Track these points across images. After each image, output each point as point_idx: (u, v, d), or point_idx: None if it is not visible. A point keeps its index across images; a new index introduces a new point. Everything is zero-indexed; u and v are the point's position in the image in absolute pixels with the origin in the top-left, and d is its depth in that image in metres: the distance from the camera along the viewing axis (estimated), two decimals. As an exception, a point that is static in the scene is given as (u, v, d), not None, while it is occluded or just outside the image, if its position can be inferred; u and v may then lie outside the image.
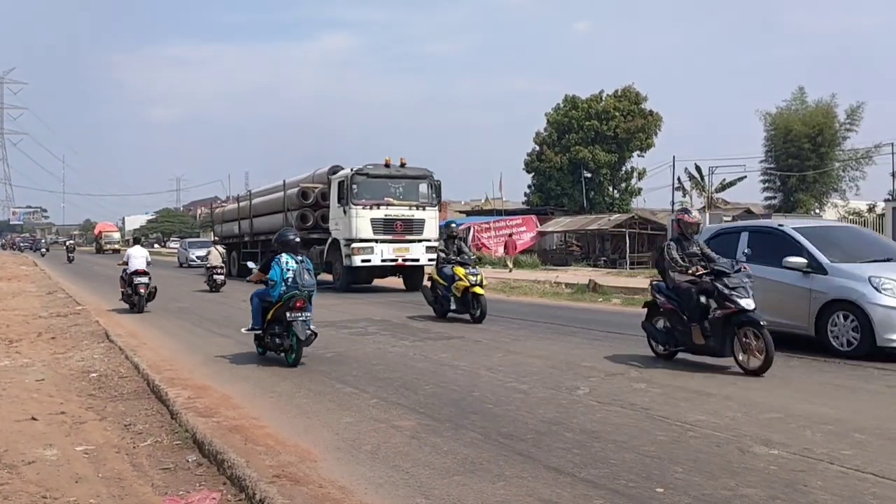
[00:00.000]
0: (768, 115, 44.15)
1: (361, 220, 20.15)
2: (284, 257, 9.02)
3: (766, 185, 44.97)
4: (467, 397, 7.00)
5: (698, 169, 47.47)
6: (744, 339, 7.85)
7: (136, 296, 15.42)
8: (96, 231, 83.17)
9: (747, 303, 7.82)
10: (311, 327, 8.89)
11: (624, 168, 47.87)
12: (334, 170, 22.03)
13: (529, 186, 50.64)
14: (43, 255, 57.97)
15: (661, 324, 8.82)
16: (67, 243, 56.53)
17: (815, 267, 9.25)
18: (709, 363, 8.37)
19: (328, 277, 22.54)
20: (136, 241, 17.90)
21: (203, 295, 20.79)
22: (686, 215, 8.96)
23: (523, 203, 51.28)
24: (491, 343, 10.61)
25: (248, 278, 10.36)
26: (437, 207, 21.70)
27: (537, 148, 48.48)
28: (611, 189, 47.89)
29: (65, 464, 5.24)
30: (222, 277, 22.02)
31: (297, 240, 9.39)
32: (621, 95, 46.61)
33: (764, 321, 7.80)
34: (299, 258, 9.13)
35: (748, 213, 39.09)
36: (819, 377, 7.90)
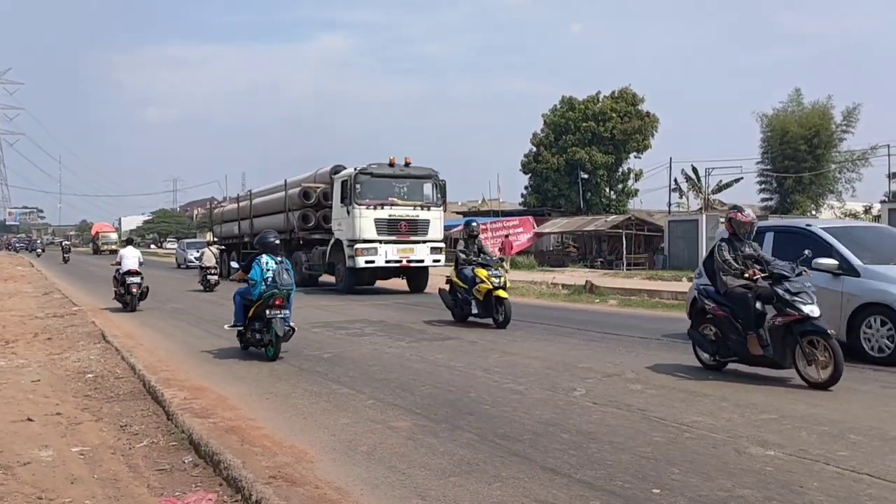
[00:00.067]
0: (765, 116, 44.37)
1: (365, 221, 19.75)
2: (265, 258, 9.46)
3: (763, 186, 45.15)
4: (464, 398, 7.00)
5: (695, 170, 47.67)
6: (807, 349, 7.22)
7: (128, 295, 15.78)
8: (93, 232, 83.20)
9: (811, 309, 7.21)
10: (290, 324, 9.46)
11: (621, 169, 47.96)
12: (337, 169, 21.71)
13: (526, 187, 50.71)
14: (38, 256, 58.25)
15: (709, 332, 8.10)
16: (63, 244, 57.41)
17: (847, 269, 8.83)
18: (695, 366, 8.38)
19: (330, 279, 22.31)
20: (129, 242, 18.37)
21: (197, 295, 20.78)
22: (739, 213, 8.18)
23: (520, 204, 51.33)
24: (487, 344, 10.61)
25: (230, 277, 10.99)
26: (442, 208, 21.36)
27: (534, 149, 48.54)
28: (607, 190, 47.96)
29: (60, 465, 5.23)
30: (216, 277, 22.09)
31: (277, 242, 9.85)
32: (618, 97, 46.69)
33: (831, 330, 7.26)
34: (278, 259, 9.54)
35: (744, 214, 39.09)
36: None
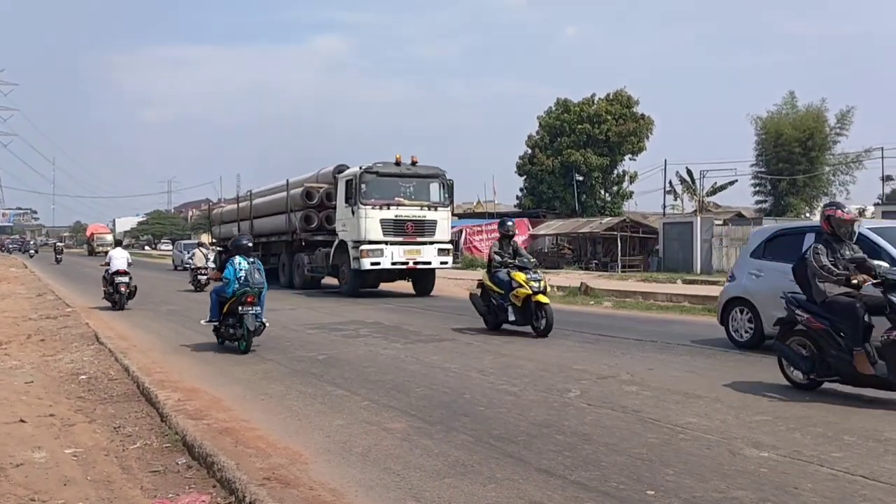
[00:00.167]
0: (759, 119, 44.48)
1: (370, 221, 19.12)
2: (238, 259, 10.27)
3: (757, 188, 45.27)
4: (458, 399, 7.00)
5: (690, 173, 47.79)
6: None
7: (116, 294, 16.40)
8: (88, 233, 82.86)
9: None
10: (262, 320, 10.18)
11: (615, 171, 48.05)
12: (340, 169, 21.21)
13: (521, 189, 50.76)
14: (31, 257, 58.57)
15: (802, 347, 7.15)
16: (55, 245, 58.85)
17: None
18: (699, 364, 8.39)
19: (333, 281, 21.92)
20: (118, 244, 19.09)
21: (188, 295, 20.72)
22: (838, 210, 7.29)
23: (515, 206, 51.36)
24: (482, 346, 10.61)
25: (207, 277, 11.30)
26: (449, 208, 20.76)
27: (529, 151, 48.59)
28: (602, 192, 48.04)
29: (53, 466, 5.21)
30: (206, 277, 22.05)
31: (250, 244, 10.83)
32: (613, 99, 46.78)
33: None
34: (250, 260, 10.32)
35: (739, 216, 39.31)
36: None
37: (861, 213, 40.12)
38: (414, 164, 20.09)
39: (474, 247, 38.63)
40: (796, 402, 6.76)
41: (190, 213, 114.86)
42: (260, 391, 7.59)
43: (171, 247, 71.10)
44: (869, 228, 9.08)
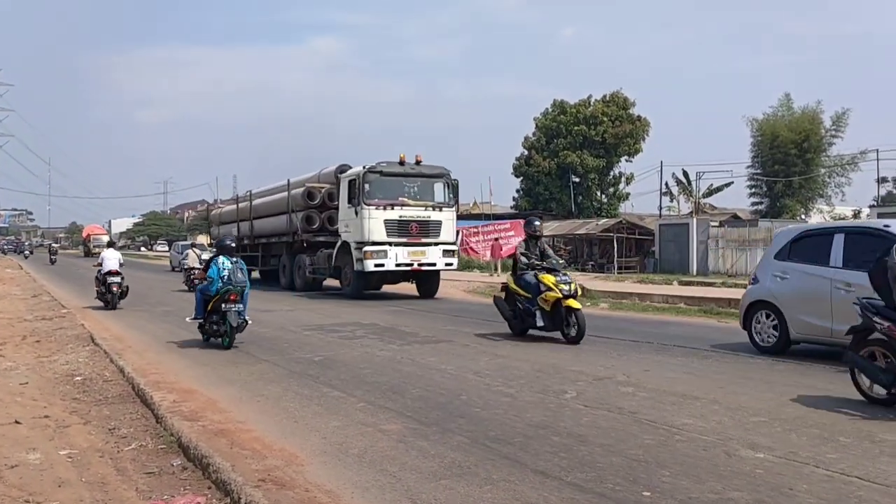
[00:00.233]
0: (755, 121, 44.55)
1: (374, 222, 18.73)
2: (221, 259, 10.81)
3: (753, 190, 45.35)
4: (454, 401, 6.99)
5: (686, 174, 47.92)
6: None
7: (109, 294, 16.83)
8: (84, 234, 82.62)
9: None
10: (244, 317, 10.62)
11: (612, 173, 48.13)
12: (342, 168, 20.97)
13: (518, 191, 50.81)
14: (26, 258, 59.07)
15: (882, 358, 6.60)
16: (50, 246, 60.06)
17: None
18: (696, 365, 8.39)
19: (334, 283, 21.69)
20: (111, 245, 19.34)
21: (182, 295, 20.68)
22: None
23: (512, 207, 51.39)
24: (478, 347, 10.61)
25: (193, 277, 11.68)
26: (454, 208, 20.42)
27: (526, 152, 48.65)
28: (599, 194, 48.11)
29: (48, 468, 5.19)
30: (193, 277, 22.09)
31: (233, 245, 11.32)
32: (609, 100, 46.85)
33: None
34: (233, 260, 10.86)
35: (735, 218, 39.39)
36: (803, 381, 7.93)
37: (856, 214, 40.27)
38: (418, 163, 19.74)
39: (471, 248, 38.62)
40: (789, 404, 6.77)
41: (186, 214, 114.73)
42: (256, 392, 7.58)
43: (167, 248, 71.01)
44: None
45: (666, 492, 4.38)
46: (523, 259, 11.40)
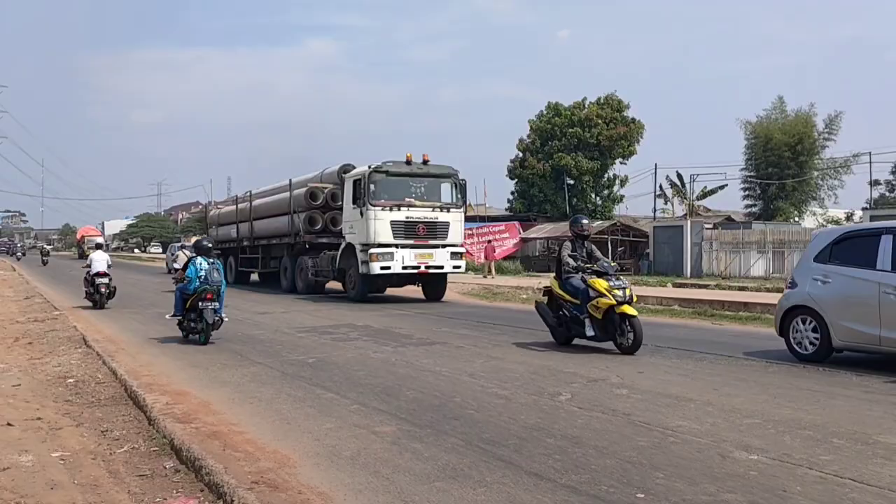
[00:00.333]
0: (749, 123, 44.69)
1: (380, 223, 18.18)
2: (199, 259, 11.37)
3: (747, 193, 45.47)
4: (449, 403, 6.98)
5: (680, 177, 48.06)
6: None
7: (97, 294, 17.37)
8: (78, 236, 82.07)
9: None
10: (221, 315, 11.22)
11: (606, 175, 48.06)
12: (346, 168, 20.54)
13: (513, 193, 50.73)
14: (18, 259, 59.33)
15: None
16: (42, 248, 61.43)
17: None
18: (690, 367, 8.39)
19: (336, 286, 21.37)
20: (99, 247, 19.61)
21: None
22: None
23: (506, 209, 51.36)
24: (472, 349, 10.60)
25: (172, 276, 12.28)
26: (463, 209, 19.83)
27: (520, 154, 48.59)
28: (593, 196, 48.04)
29: (40, 470, 5.16)
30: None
31: (211, 246, 11.98)
32: (604, 103, 46.83)
33: None
34: (210, 260, 11.44)
35: (729, 220, 39.46)
36: (797, 383, 7.95)
37: (849, 217, 40.42)
38: (425, 162, 19.24)
39: (466, 251, 38.62)
40: (783, 406, 6.78)
41: (180, 216, 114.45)
42: (249, 394, 7.55)
43: (160, 249, 70.75)
44: None
45: (660, 494, 4.38)
46: (570, 261, 10.45)
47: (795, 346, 9.46)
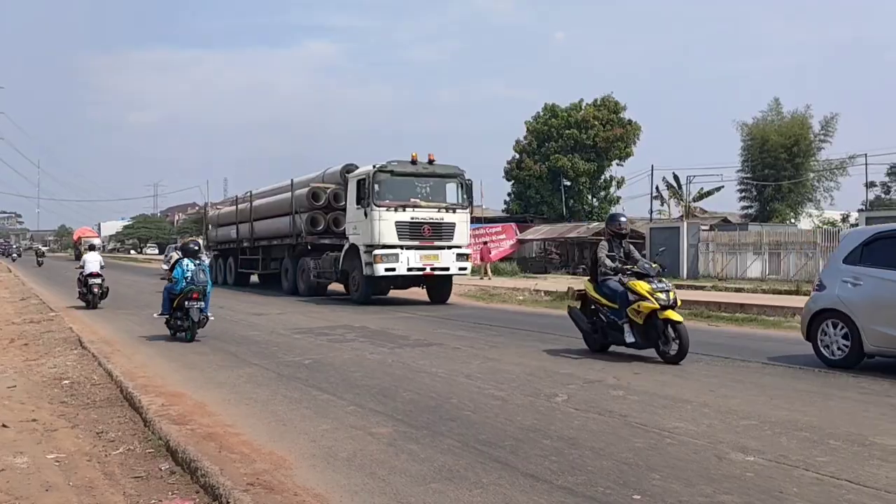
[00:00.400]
0: (745, 125, 44.76)
1: (385, 224, 17.86)
2: (186, 261, 11.91)
3: (743, 194, 45.53)
4: (445, 404, 6.97)
5: (676, 178, 48.07)
6: None
7: (90, 294, 17.75)
8: (75, 237, 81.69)
9: None
10: (206, 313, 11.77)
11: (603, 177, 48.16)
12: (349, 168, 20.24)
13: (509, 194, 50.78)
14: (14, 261, 59.48)
15: None
16: (37, 249, 62.63)
17: None
18: (686, 369, 8.39)
19: (339, 288, 21.14)
20: (92, 249, 19.86)
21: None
22: None
23: (503, 211, 51.40)
24: (469, 350, 10.59)
25: (161, 276, 12.55)
26: (469, 210, 19.57)
27: (517, 156, 48.64)
28: (590, 197, 48.12)
29: (35, 472, 5.14)
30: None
31: (197, 248, 12.51)
32: (600, 104, 46.90)
33: None
34: (197, 262, 11.96)
35: (725, 221, 39.49)
36: (794, 384, 7.95)
37: (844, 218, 40.51)
38: (431, 162, 18.95)
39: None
40: (779, 407, 6.79)
41: (176, 217, 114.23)
42: (245, 396, 7.54)
43: (156, 251, 70.53)
44: None
45: (656, 495, 4.37)
46: (608, 262, 9.78)
47: (823, 351, 9.09)
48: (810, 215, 44.01)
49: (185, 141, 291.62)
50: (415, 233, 18.20)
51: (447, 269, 18.71)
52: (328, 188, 21.33)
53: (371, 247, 17.96)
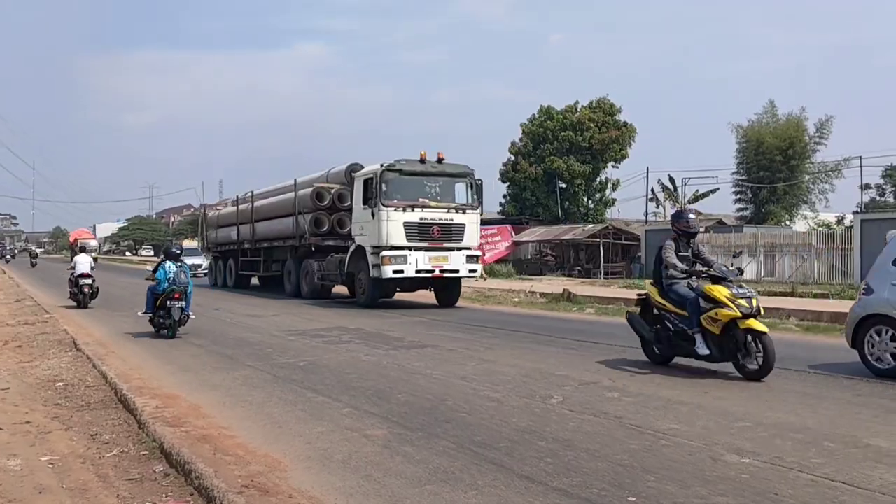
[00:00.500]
0: (740, 127, 44.87)
1: (393, 225, 17.33)
2: (168, 263, 12.66)
3: (738, 196, 45.63)
4: (440, 406, 6.96)
5: (672, 180, 48.23)
6: None
7: (81, 294, 18.53)
8: (71, 239, 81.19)
9: None
10: (188, 312, 12.62)
11: (598, 179, 48.20)
12: (354, 168, 19.87)
13: (505, 196, 50.79)
14: (8, 262, 59.71)
15: None
16: (31, 250, 63.74)
17: None
18: (681, 370, 8.40)
19: (343, 290, 20.85)
20: (83, 250, 21.06)
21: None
22: None
23: (498, 213, 51.42)
24: (465, 352, 10.58)
25: (145, 277, 13.53)
26: (479, 210, 19.07)
27: (512, 158, 48.66)
28: (585, 199, 48.15)
29: (29, 474, 5.12)
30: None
31: (179, 252, 13.22)
32: (596, 107, 46.94)
33: None
34: (178, 264, 12.72)
35: (720, 223, 39.57)
36: (789, 386, 7.95)
37: (839, 220, 40.60)
38: (440, 161, 18.45)
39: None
40: (775, 409, 6.80)
41: (171, 219, 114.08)
42: (240, 398, 7.52)
43: (151, 252, 70.34)
44: None
45: (651, 497, 4.37)
46: (679, 264, 8.73)
47: (871, 360, 8.53)
48: (805, 217, 44.13)
49: (181, 142, 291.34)
50: (424, 234, 17.70)
51: (457, 271, 18.23)
52: (332, 188, 20.93)
53: (378, 248, 17.50)
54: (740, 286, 8.36)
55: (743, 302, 8.05)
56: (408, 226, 17.52)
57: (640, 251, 35.52)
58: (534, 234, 42.41)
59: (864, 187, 45.91)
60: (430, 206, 17.87)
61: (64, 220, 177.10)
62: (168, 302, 12.30)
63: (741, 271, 8.93)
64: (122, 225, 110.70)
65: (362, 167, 19.48)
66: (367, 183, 18.16)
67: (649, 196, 48.28)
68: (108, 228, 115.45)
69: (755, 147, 42.85)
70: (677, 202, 47.09)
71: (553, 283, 27.38)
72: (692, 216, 9.21)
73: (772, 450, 5.35)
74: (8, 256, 67.44)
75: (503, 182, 49.53)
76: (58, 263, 61.34)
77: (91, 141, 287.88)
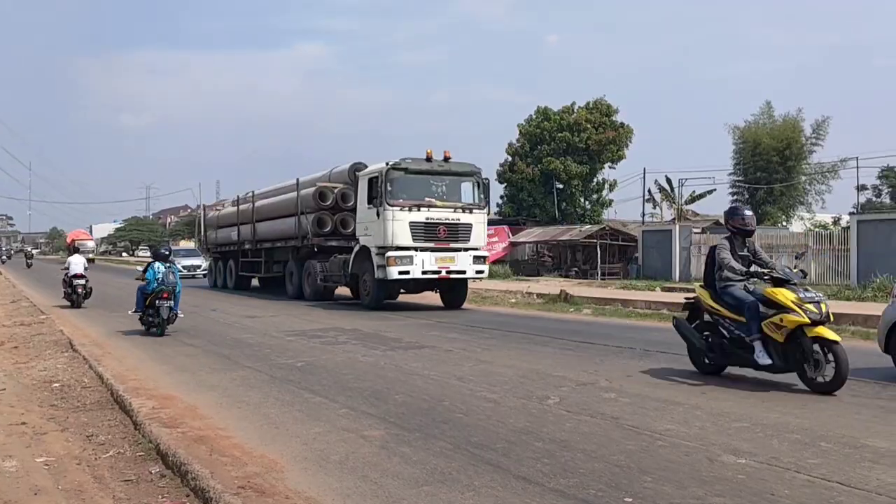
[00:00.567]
0: (737, 128, 44.96)
1: (399, 224, 17.02)
2: (157, 264, 13.13)
3: (735, 197, 45.65)
4: (437, 407, 6.96)
5: (668, 181, 48.22)
6: None
7: (74, 294, 18.95)
8: (68, 240, 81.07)
9: None
10: (177, 311, 13.07)
11: (595, 179, 48.24)
12: (358, 167, 19.56)
13: (502, 197, 50.82)
14: (3, 263, 59.85)
15: None
16: (26, 251, 65.25)
17: None
18: (678, 371, 8.40)
19: (345, 292, 20.67)
20: (76, 251, 21.48)
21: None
22: None
23: (496, 213, 51.40)
24: (462, 353, 10.58)
25: (135, 277, 13.94)
26: (486, 210, 18.74)
27: (510, 159, 48.69)
28: (582, 200, 48.19)
29: (24, 475, 5.11)
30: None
31: (167, 253, 13.78)
32: (593, 108, 46.98)
33: None
34: (167, 265, 13.16)
35: (717, 224, 39.58)
36: (785, 386, 7.95)
37: (836, 221, 40.70)
38: (446, 159, 18.08)
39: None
40: (771, 409, 6.80)
41: (168, 220, 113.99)
42: (236, 398, 7.51)
43: (148, 253, 70.15)
44: None
45: (648, 497, 4.37)
46: (736, 265, 7.97)
47: None
48: (802, 218, 44.23)
49: (179, 143, 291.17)
50: (430, 234, 17.36)
51: (463, 272, 17.90)
52: (336, 188, 20.61)
53: (383, 248, 17.21)
54: (806, 289, 7.63)
55: (811, 307, 7.35)
56: (414, 226, 17.22)
57: (637, 252, 35.53)
58: (531, 234, 42.40)
59: (861, 188, 46.12)
60: (436, 206, 17.57)
61: (61, 221, 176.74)
62: (157, 301, 12.73)
63: (805, 274, 8.29)
64: (119, 226, 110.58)
65: (366, 166, 19.24)
66: (372, 182, 17.83)
67: (646, 197, 48.31)
68: (104, 229, 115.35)
69: (752, 148, 42.94)
70: (674, 203, 47.13)
71: (550, 284, 27.37)
72: (748, 213, 8.37)
73: (768, 450, 5.36)
74: (4, 257, 67.35)
75: (500, 183, 49.54)
76: (53, 264, 61.35)
77: (89, 141, 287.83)
